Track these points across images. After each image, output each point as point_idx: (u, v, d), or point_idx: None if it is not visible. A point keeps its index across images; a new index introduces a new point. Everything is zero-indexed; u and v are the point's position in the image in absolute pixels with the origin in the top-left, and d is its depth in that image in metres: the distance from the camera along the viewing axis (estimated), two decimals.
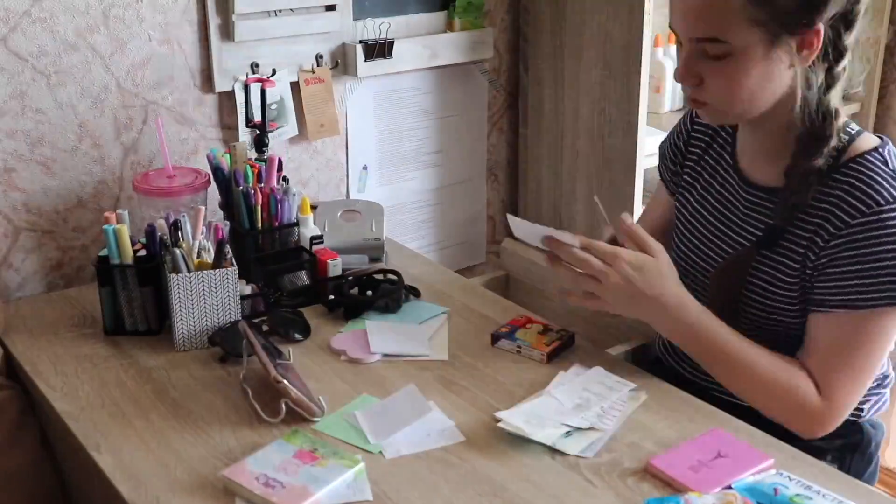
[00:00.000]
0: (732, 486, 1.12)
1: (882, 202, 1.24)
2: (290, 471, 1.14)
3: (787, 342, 1.34)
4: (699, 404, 1.32)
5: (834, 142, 1.28)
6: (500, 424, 1.23)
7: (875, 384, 1.40)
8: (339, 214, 1.83)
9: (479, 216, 2.36)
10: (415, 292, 1.65)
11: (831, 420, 1.29)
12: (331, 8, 1.92)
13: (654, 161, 2.13)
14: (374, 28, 1.99)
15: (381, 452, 1.21)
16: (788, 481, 1.12)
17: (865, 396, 1.39)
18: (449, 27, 2.12)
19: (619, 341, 1.85)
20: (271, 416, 1.26)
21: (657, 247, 1.31)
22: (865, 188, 1.26)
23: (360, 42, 1.97)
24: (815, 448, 1.30)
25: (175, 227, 1.49)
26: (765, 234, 1.36)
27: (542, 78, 2.22)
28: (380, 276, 1.65)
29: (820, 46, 1.24)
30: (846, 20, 1.26)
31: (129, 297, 1.51)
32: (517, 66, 2.29)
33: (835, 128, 1.28)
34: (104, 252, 1.51)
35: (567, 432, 1.22)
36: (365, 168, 2.11)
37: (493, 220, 2.39)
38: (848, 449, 1.40)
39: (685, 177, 1.52)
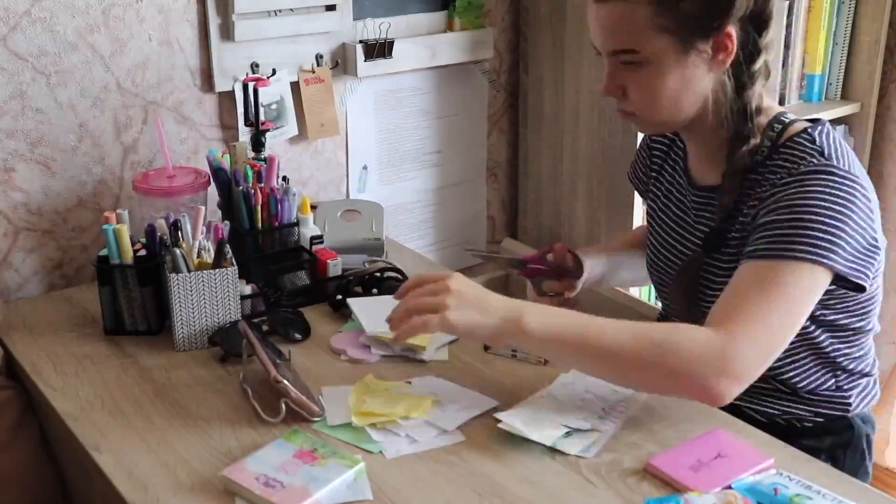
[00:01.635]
0: (732, 486, 1.12)
1: (805, 167, 1.24)
2: (290, 471, 1.14)
3: None
4: (699, 404, 1.32)
5: (756, 140, 1.30)
6: (500, 425, 1.23)
7: (859, 373, 1.40)
8: (339, 214, 1.83)
9: (479, 216, 2.36)
10: None
11: (731, 360, 1.16)
12: (331, 8, 1.92)
13: None
14: (374, 28, 1.99)
15: (381, 452, 1.21)
16: (788, 481, 1.12)
17: (850, 386, 1.39)
18: (449, 27, 2.12)
19: None
20: (271, 416, 1.26)
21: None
22: (794, 158, 1.26)
23: (360, 42, 1.97)
24: (807, 448, 1.30)
25: (175, 227, 1.49)
26: (709, 237, 1.37)
27: (542, 78, 2.22)
28: (379, 275, 1.65)
29: (735, 49, 1.26)
30: (758, 21, 1.27)
31: (129, 296, 1.51)
32: (517, 66, 2.29)
33: (756, 126, 1.30)
34: (104, 252, 1.51)
35: (567, 433, 1.22)
36: (365, 168, 2.11)
37: (493, 220, 2.39)
38: (839, 446, 1.40)
39: (651, 187, 1.55)
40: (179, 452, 1.21)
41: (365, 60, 1.97)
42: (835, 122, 2.35)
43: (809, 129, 1.29)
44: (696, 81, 1.28)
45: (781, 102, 2.30)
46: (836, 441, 1.39)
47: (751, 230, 1.28)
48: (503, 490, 1.13)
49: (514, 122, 2.34)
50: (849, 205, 1.22)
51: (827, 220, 1.21)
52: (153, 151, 1.79)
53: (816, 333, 1.34)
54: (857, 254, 1.23)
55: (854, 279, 1.23)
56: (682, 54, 1.26)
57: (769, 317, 1.19)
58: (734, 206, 1.33)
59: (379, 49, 1.98)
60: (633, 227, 2.10)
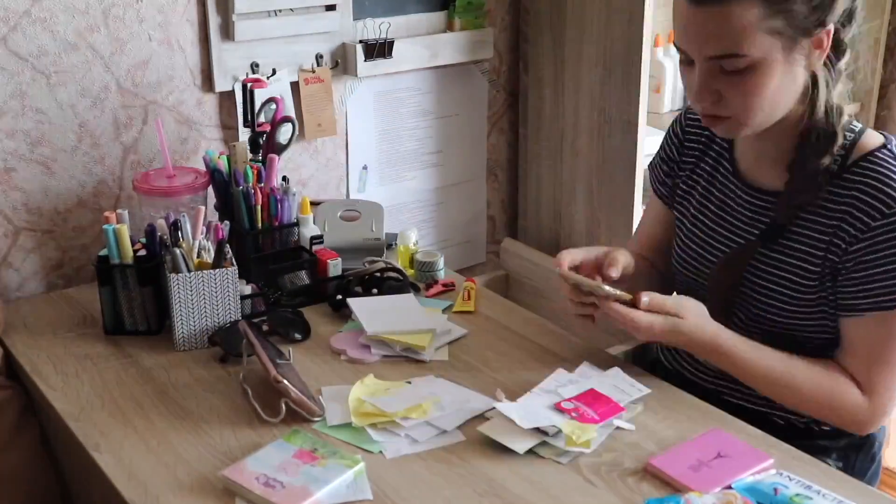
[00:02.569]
0: (732, 485, 1.12)
1: (893, 206, 1.23)
2: (290, 471, 1.14)
3: (784, 340, 1.34)
4: (699, 404, 1.32)
5: (840, 139, 1.28)
6: (479, 428, 1.23)
7: None
8: (339, 214, 1.82)
9: (479, 216, 2.36)
10: (415, 288, 1.65)
11: (877, 416, 1.30)
12: (331, 8, 1.92)
13: None
14: (374, 28, 1.99)
15: (381, 452, 1.21)
16: (788, 481, 1.12)
17: None
18: (449, 27, 2.12)
19: (619, 341, 1.85)
20: (271, 416, 1.26)
21: (680, 304, 1.32)
22: (882, 187, 1.25)
23: (360, 42, 1.97)
24: (819, 447, 1.30)
25: (175, 227, 1.49)
26: (766, 231, 1.35)
27: (542, 78, 2.22)
28: (379, 275, 1.65)
29: (829, 46, 1.24)
30: (849, 16, 1.26)
31: (129, 296, 1.51)
32: (517, 66, 2.29)
33: (840, 125, 1.28)
34: (104, 252, 1.51)
35: (542, 442, 1.21)
36: (365, 168, 2.11)
37: (493, 220, 2.39)
38: (852, 448, 1.39)
39: (682, 185, 1.51)
40: (179, 452, 1.21)
41: (365, 60, 1.97)
42: None
43: (888, 145, 1.29)
44: (795, 81, 1.26)
45: None
46: (850, 442, 1.39)
47: (851, 265, 1.27)
48: (503, 490, 1.13)
49: (514, 122, 2.34)
50: None
51: None
52: (153, 151, 1.79)
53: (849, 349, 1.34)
54: None
55: None
56: (787, 54, 1.22)
57: None
58: (800, 207, 1.31)
59: (379, 49, 1.98)
60: (633, 228, 2.09)
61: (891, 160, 1.27)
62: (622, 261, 1.39)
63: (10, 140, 1.65)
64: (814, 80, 1.27)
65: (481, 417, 1.28)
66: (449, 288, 1.68)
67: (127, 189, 1.78)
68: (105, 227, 1.48)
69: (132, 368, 1.43)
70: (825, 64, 1.26)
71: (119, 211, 1.52)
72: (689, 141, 1.50)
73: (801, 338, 1.35)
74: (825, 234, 1.30)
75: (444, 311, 1.60)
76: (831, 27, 1.23)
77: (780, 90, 1.25)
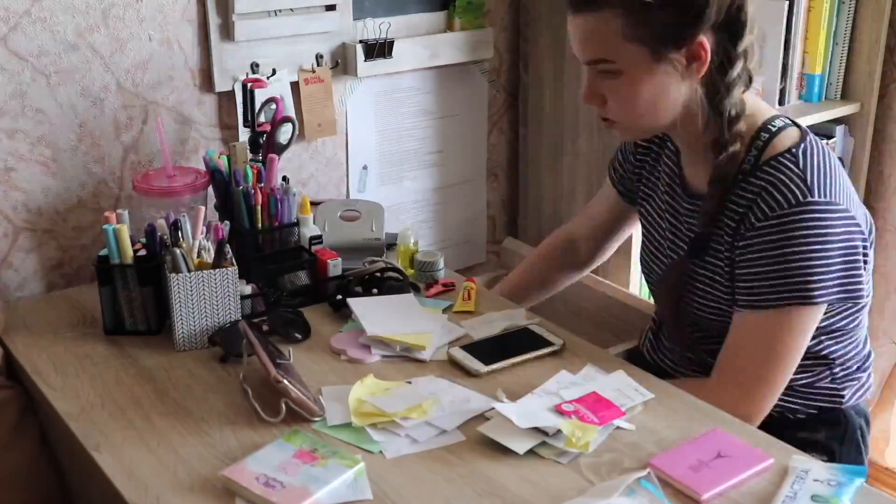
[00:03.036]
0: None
1: (785, 205, 1.26)
2: (290, 471, 1.14)
3: None
4: (699, 404, 1.32)
5: (735, 148, 1.31)
6: (479, 428, 1.24)
7: (854, 367, 1.42)
8: (339, 214, 1.82)
9: (479, 216, 2.36)
10: (415, 288, 1.65)
11: (719, 402, 1.29)
12: (331, 8, 1.92)
13: None
14: (374, 28, 1.99)
15: (381, 452, 1.21)
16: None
17: (844, 379, 1.42)
18: (449, 27, 2.12)
19: (620, 340, 1.85)
20: (271, 416, 1.26)
21: None
22: (773, 191, 1.28)
23: (360, 42, 1.97)
24: (803, 441, 1.30)
25: (175, 226, 1.49)
26: (692, 242, 1.40)
27: (542, 78, 2.22)
28: (379, 275, 1.65)
29: (708, 57, 1.28)
30: (732, 28, 1.28)
31: (129, 296, 1.51)
32: (517, 66, 2.29)
33: (735, 134, 1.30)
34: (104, 252, 1.51)
35: (542, 442, 1.21)
36: (365, 168, 2.11)
37: (493, 220, 2.39)
38: (834, 440, 1.42)
39: (642, 188, 1.56)
40: (179, 452, 1.21)
41: (365, 60, 1.97)
42: (835, 122, 2.35)
43: (794, 149, 1.30)
44: (671, 90, 1.30)
45: (781, 102, 2.30)
46: (831, 433, 1.41)
47: (736, 269, 1.31)
48: (503, 490, 1.13)
49: (514, 122, 2.34)
50: (829, 236, 1.25)
51: (812, 260, 1.25)
52: (153, 151, 1.80)
53: (813, 340, 1.35)
54: (845, 273, 1.27)
55: (851, 297, 1.29)
56: (656, 63, 1.28)
57: (771, 372, 1.31)
58: (719, 212, 1.35)
59: (379, 49, 1.98)
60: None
61: (790, 164, 1.29)
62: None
63: (10, 140, 1.65)
64: (696, 91, 1.31)
65: (481, 417, 1.28)
66: (449, 288, 1.68)
67: (127, 189, 1.78)
68: (105, 227, 1.48)
69: (132, 368, 1.43)
70: (712, 75, 1.29)
71: (119, 211, 1.52)
72: (641, 145, 1.55)
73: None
74: (727, 235, 1.34)
75: (444, 311, 1.60)
76: (704, 39, 1.26)
77: (659, 98, 1.30)
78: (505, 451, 1.20)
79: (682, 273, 1.42)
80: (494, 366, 1.40)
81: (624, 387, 1.33)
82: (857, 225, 1.29)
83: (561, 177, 2.25)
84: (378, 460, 1.19)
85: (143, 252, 1.52)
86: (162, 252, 1.49)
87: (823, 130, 2.35)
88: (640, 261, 1.57)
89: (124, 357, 1.46)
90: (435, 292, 1.66)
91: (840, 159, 2.37)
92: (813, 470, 1.13)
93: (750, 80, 1.32)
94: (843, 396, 1.42)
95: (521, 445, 1.20)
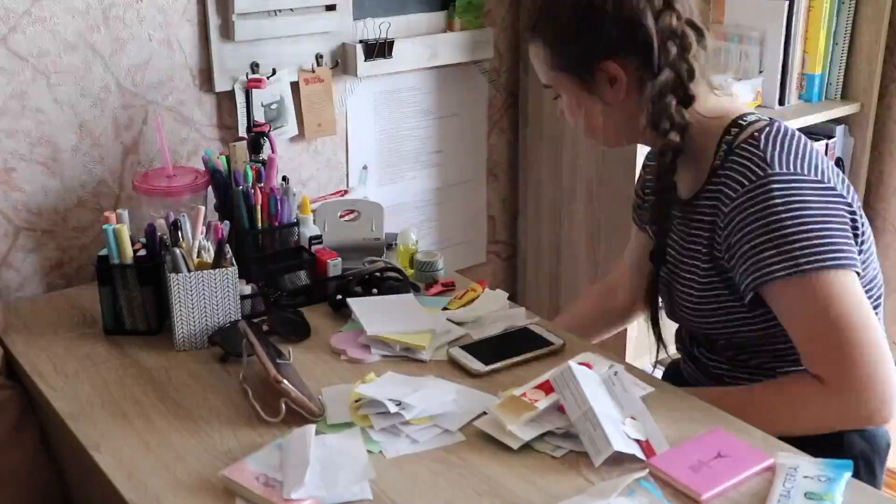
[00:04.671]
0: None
1: (746, 183, 1.25)
2: None
3: (738, 351, 1.38)
4: (699, 404, 1.32)
5: (666, 158, 1.32)
6: (475, 422, 1.24)
7: None
8: (339, 214, 1.82)
9: (479, 216, 2.36)
10: (415, 288, 1.65)
11: (848, 404, 1.23)
12: (331, 8, 1.92)
13: None
14: (374, 28, 1.99)
15: (381, 452, 1.21)
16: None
17: None
18: (449, 27, 2.12)
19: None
20: (271, 416, 1.26)
21: None
22: (736, 175, 1.28)
23: (360, 42, 1.97)
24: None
25: (175, 226, 1.49)
26: (653, 255, 1.44)
27: None
28: (379, 275, 1.65)
29: (625, 77, 1.31)
30: (636, 48, 1.29)
31: (129, 296, 1.51)
32: (517, 66, 2.29)
33: (666, 143, 1.31)
34: (104, 252, 1.51)
35: (540, 435, 1.21)
36: (365, 168, 2.11)
37: (493, 220, 2.39)
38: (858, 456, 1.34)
39: (645, 214, 1.56)
40: (179, 452, 1.21)
41: (365, 60, 1.97)
42: (835, 122, 2.35)
43: (756, 134, 1.30)
44: (607, 111, 1.35)
45: (781, 103, 2.30)
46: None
47: (729, 261, 1.30)
48: (503, 490, 1.13)
49: (514, 122, 2.34)
50: (802, 203, 1.23)
51: (789, 228, 1.22)
52: (153, 151, 1.80)
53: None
54: (837, 241, 1.23)
55: (852, 266, 1.24)
56: (582, 87, 1.35)
57: (853, 337, 1.22)
58: (693, 210, 1.35)
59: (379, 49, 1.98)
60: (633, 230, 2.09)
61: (751, 148, 1.28)
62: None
63: (10, 140, 1.65)
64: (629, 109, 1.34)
65: (481, 417, 1.28)
66: (449, 288, 1.68)
67: (127, 189, 1.78)
68: (105, 227, 1.48)
69: (132, 368, 1.43)
70: (640, 92, 1.32)
71: (119, 211, 1.52)
72: (648, 176, 1.55)
73: (750, 348, 1.38)
74: (707, 231, 1.33)
75: (443, 308, 1.60)
76: (614, 63, 1.30)
77: (600, 119, 1.37)
78: (505, 450, 1.20)
79: (656, 283, 1.46)
80: (494, 365, 1.40)
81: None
82: (840, 196, 1.26)
83: (561, 177, 2.25)
84: (378, 460, 1.19)
85: (143, 252, 1.52)
86: (162, 252, 1.49)
87: (823, 130, 2.35)
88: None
89: (124, 357, 1.46)
90: (435, 292, 1.66)
91: (840, 159, 2.37)
92: (801, 466, 1.13)
93: (686, 93, 1.31)
94: None
95: (514, 441, 1.20)
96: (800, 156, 1.27)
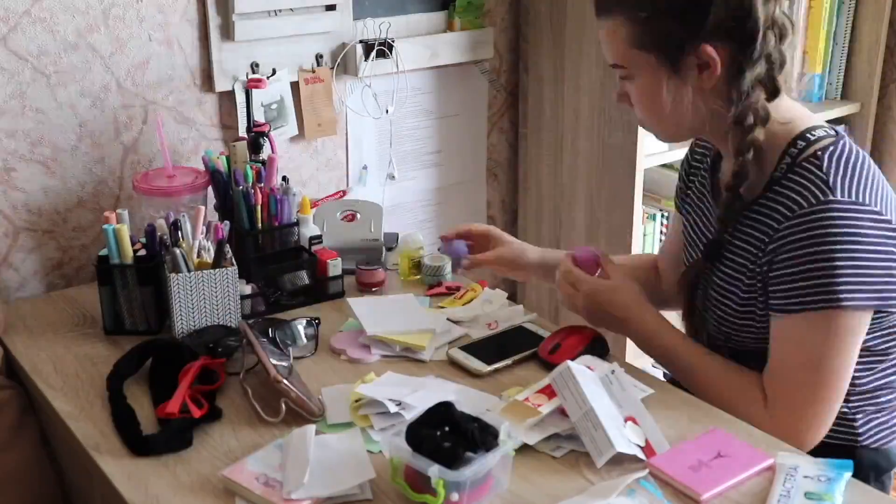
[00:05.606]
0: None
1: (805, 205, 1.22)
2: None
3: (752, 358, 1.33)
4: (699, 404, 1.32)
5: (748, 155, 1.28)
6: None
7: (884, 399, 1.34)
8: (338, 214, 1.82)
9: (479, 216, 2.36)
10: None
11: (776, 432, 1.24)
12: (331, 8, 1.92)
13: (655, 161, 2.14)
14: (374, 28, 1.99)
15: (381, 452, 1.21)
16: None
17: (858, 413, 1.33)
18: (449, 27, 2.12)
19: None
20: (271, 416, 1.26)
21: (613, 272, 1.43)
22: (794, 195, 1.25)
23: (360, 42, 1.97)
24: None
25: (175, 226, 1.49)
26: (709, 246, 1.38)
27: (542, 78, 2.22)
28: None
29: (719, 64, 1.26)
30: (740, 36, 1.25)
31: (128, 296, 1.51)
32: (517, 66, 2.29)
33: (748, 141, 1.27)
34: (104, 252, 1.51)
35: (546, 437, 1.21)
36: (365, 168, 2.11)
37: (493, 220, 2.39)
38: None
39: (690, 195, 1.52)
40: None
41: (365, 60, 1.97)
42: (835, 121, 2.35)
43: (819, 153, 1.26)
44: (684, 97, 1.29)
45: None
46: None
47: (768, 280, 1.27)
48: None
49: (514, 122, 2.34)
50: (856, 236, 1.20)
51: (837, 260, 1.19)
52: (153, 151, 1.79)
53: None
54: (880, 279, 1.22)
55: (888, 306, 1.23)
56: (666, 70, 1.28)
57: (816, 385, 1.25)
58: (744, 221, 1.32)
59: (379, 49, 1.98)
60: (633, 228, 2.10)
61: (813, 168, 1.25)
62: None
63: (10, 140, 1.65)
64: (711, 100, 1.29)
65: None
66: (452, 291, 1.67)
67: (127, 189, 1.78)
68: (105, 227, 1.48)
69: None
70: (728, 82, 1.27)
71: (119, 211, 1.52)
72: (695, 160, 1.52)
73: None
74: (753, 246, 1.30)
75: (439, 307, 1.60)
76: (710, 47, 1.24)
77: (673, 104, 1.30)
78: None
79: (698, 275, 1.39)
80: (496, 365, 1.40)
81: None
82: (894, 229, 1.23)
83: (561, 177, 2.25)
84: (378, 460, 1.19)
85: (142, 252, 1.52)
86: (162, 252, 1.49)
87: None
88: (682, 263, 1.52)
89: None
90: (435, 293, 1.66)
91: None
92: (801, 466, 1.13)
93: (775, 86, 1.28)
94: (858, 435, 1.34)
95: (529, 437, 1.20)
96: (864, 183, 1.24)
